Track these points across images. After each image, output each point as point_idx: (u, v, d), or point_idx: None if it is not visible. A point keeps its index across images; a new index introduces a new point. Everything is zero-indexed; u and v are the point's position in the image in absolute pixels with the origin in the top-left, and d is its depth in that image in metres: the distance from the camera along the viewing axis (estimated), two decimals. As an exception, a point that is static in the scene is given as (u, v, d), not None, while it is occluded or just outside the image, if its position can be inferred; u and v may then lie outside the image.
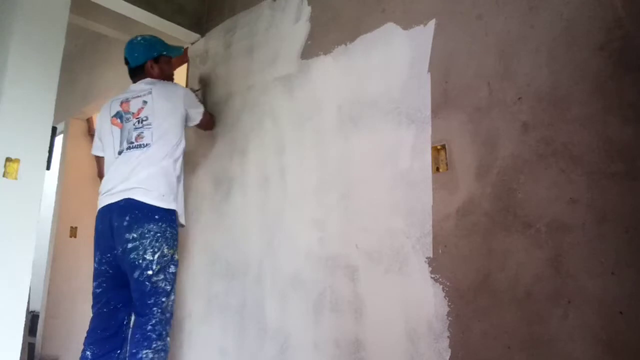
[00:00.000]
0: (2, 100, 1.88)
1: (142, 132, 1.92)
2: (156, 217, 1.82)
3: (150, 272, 1.77)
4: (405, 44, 1.60)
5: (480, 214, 1.33)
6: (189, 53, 2.76)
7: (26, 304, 1.89)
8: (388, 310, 1.50)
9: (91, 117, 4.27)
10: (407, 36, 1.60)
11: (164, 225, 1.83)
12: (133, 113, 1.97)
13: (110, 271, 1.90)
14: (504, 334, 1.23)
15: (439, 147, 1.45)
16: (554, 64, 1.24)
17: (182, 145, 2.02)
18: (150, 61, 2.11)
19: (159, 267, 1.78)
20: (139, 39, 2.15)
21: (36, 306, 4.03)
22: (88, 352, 1.90)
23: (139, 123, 1.95)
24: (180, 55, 2.38)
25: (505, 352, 1.22)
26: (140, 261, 1.77)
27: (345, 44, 1.81)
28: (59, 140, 4.20)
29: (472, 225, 1.34)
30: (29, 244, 1.90)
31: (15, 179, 1.87)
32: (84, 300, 3.68)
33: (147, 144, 1.90)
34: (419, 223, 1.46)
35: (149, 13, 2.46)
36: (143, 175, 1.85)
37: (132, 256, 1.78)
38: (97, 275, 1.93)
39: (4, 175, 1.84)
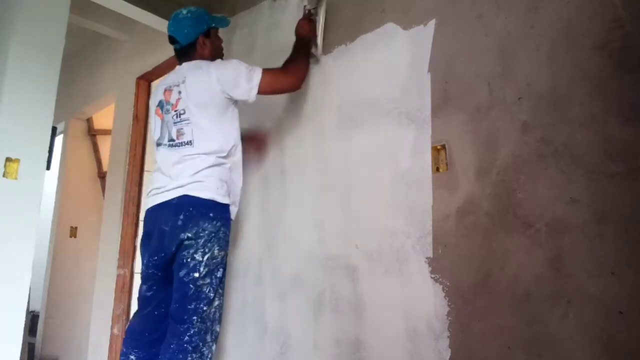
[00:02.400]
0: (2, 100, 1.88)
1: (182, 129, 1.75)
2: (211, 214, 1.69)
3: (197, 275, 1.65)
4: (405, 44, 1.60)
5: (480, 214, 1.33)
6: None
7: (26, 304, 1.89)
8: (388, 310, 1.50)
9: (91, 117, 4.28)
10: (407, 36, 1.60)
11: (218, 224, 1.71)
12: (172, 104, 1.79)
13: (159, 274, 1.78)
14: (504, 334, 1.23)
15: (439, 147, 1.45)
16: (554, 64, 1.24)
17: (231, 135, 1.79)
18: (201, 36, 1.85)
19: (206, 269, 1.66)
20: (184, 12, 1.86)
21: (36, 306, 4.03)
22: (132, 357, 1.78)
23: (177, 117, 1.77)
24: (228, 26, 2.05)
25: (505, 352, 1.22)
26: (189, 260, 1.66)
27: (345, 44, 1.81)
28: (59, 140, 4.20)
29: (472, 225, 1.34)
30: (29, 244, 1.90)
31: (15, 179, 1.87)
32: (84, 300, 3.69)
33: (189, 141, 1.73)
34: (419, 223, 1.46)
35: (149, 13, 2.46)
36: (193, 172, 1.71)
37: (183, 253, 1.67)
38: (146, 278, 1.81)
39: (4, 175, 1.84)
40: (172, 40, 1.88)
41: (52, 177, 3.97)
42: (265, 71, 1.75)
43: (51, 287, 3.88)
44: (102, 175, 4.18)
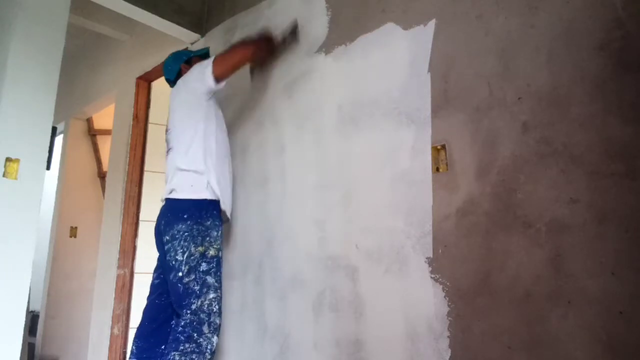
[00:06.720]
0: (2, 100, 1.88)
1: (169, 138, 2.01)
2: (185, 216, 1.82)
3: (180, 274, 1.77)
4: (405, 44, 1.60)
5: (480, 214, 1.33)
6: (189, 53, 2.76)
7: (26, 304, 1.89)
8: (388, 310, 1.50)
9: (91, 117, 4.28)
10: (407, 36, 1.60)
11: (190, 223, 1.82)
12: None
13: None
14: (504, 334, 1.23)
15: (439, 147, 1.45)
16: (554, 64, 1.24)
17: (208, 130, 1.91)
18: (182, 65, 2.15)
19: (188, 267, 1.77)
20: (167, 57, 2.23)
21: (36, 306, 4.04)
22: (134, 347, 1.89)
23: (167, 129, 2.05)
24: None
25: (505, 352, 1.22)
26: (174, 262, 1.79)
27: (345, 44, 1.81)
28: (59, 140, 4.20)
29: (472, 225, 1.34)
30: (29, 244, 1.90)
31: (15, 179, 1.87)
32: (84, 300, 3.69)
33: (171, 148, 1.98)
34: (419, 223, 1.46)
35: (149, 13, 2.47)
36: (173, 175, 1.92)
37: (167, 258, 1.82)
38: (156, 268, 1.99)
39: (4, 175, 1.84)
40: (169, 82, 2.20)
41: (52, 177, 3.97)
42: (217, 56, 1.94)
43: (51, 287, 3.88)
44: (102, 175, 4.18)
